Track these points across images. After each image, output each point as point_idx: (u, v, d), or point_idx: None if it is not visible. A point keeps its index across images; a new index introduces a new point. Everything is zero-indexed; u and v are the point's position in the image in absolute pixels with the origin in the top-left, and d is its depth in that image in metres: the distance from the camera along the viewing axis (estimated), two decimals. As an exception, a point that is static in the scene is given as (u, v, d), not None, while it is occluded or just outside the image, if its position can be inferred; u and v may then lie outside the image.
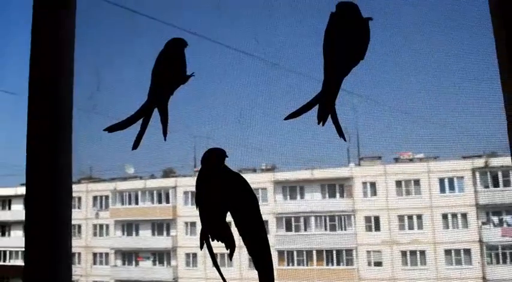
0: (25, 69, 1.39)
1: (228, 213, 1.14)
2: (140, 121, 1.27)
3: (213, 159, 1.15)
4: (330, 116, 1.08)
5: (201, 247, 1.14)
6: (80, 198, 17.89)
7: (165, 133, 1.27)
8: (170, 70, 1.27)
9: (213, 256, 1.17)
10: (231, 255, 1.12)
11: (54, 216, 1.32)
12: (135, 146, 1.25)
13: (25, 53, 1.40)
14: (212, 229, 1.13)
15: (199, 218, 1.14)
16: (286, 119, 1.08)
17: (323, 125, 1.06)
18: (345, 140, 1.09)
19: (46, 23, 1.40)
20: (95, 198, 18.15)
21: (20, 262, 18.79)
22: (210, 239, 1.14)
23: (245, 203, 1.12)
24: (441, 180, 14.01)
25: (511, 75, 1.05)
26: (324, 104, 1.07)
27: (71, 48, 1.40)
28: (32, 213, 1.33)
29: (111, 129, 1.25)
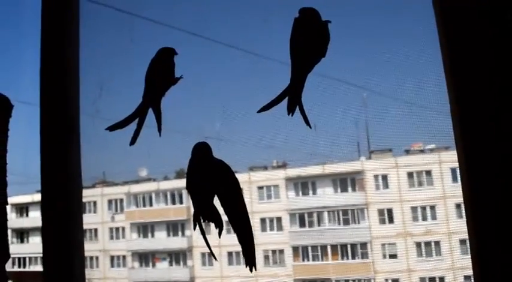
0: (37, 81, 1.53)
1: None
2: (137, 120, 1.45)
3: (203, 151, 1.35)
4: (297, 107, 1.23)
5: (194, 228, 1.35)
6: (95, 203, 18.07)
7: (159, 129, 1.44)
8: (161, 75, 1.44)
9: (204, 235, 1.38)
10: (219, 234, 1.31)
11: (68, 220, 1.42)
12: (133, 142, 1.41)
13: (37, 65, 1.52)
14: (203, 211, 1.33)
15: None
16: (258, 111, 1.24)
17: (292, 115, 1.22)
18: (310, 128, 1.24)
19: (53, 36, 1.53)
20: (109, 201, 18.33)
21: (39, 268, 19.07)
22: (202, 220, 1.34)
23: (229, 186, 1.32)
24: (453, 170, 13.92)
25: (452, 73, 1.09)
26: (292, 97, 1.22)
27: (77, 58, 1.55)
28: (48, 218, 1.45)
29: (111, 128, 1.41)
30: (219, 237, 1.31)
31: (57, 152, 1.47)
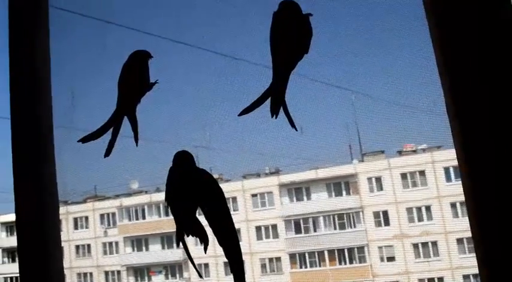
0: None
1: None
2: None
3: (186, 160, 1.24)
4: (281, 108, 1.13)
5: (178, 244, 1.21)
6: (87, 218, 17.84)
7: (136, 139, 1.33)
8: (135, 80, 1.34)
9: (188, 252, 1.33)
10: (205, 249, 1.23)
11: (43, 239, 1.31)
12: (107, 153, 1.31)
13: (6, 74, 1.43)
14: (186, 226, 1.24)
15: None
16: (239, 115, 1.13)
17: (276, 117, 1.11)
18: (296, 130, 1.14)
19: (22, 47, 1.44)
20: (102, 216, 18.12)
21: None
22: (185, 236, 1.25)
23: (215, 200, 1.21)
24: (446, 169, 13.96)
25: (447, 71, 1.04)
26: (275, 98, 1.12)
27: (48, 67, 1.44)
28: (22, 237, 1.33)
29: (84, 140, 1.30)
30: (205, 252, 1.22)
31: (29, 168, 1.36)
